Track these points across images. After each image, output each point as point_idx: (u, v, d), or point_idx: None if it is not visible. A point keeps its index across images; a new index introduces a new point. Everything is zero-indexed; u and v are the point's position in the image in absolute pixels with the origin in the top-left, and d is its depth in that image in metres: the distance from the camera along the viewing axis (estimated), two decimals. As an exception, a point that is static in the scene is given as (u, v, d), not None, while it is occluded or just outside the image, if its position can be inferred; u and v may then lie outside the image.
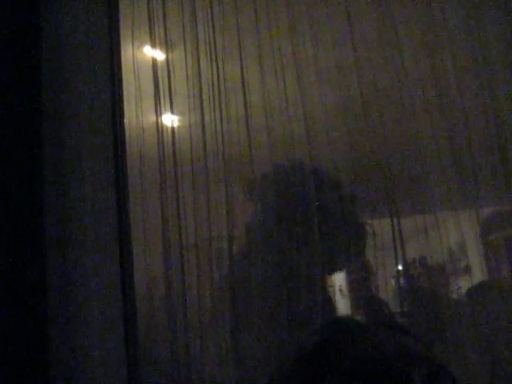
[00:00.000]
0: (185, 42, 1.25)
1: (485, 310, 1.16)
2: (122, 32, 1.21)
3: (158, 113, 1.21)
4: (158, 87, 1.21)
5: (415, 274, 1.35)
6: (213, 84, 1.23)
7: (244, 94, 1.22)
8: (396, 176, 1.21)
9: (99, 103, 1.11)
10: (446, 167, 1.22)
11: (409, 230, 1.22)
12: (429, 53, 1.27)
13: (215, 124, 1.22)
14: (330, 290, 1.31)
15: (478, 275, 1.24)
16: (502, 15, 1.27)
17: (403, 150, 1.31)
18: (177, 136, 1.21)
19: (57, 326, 0.92)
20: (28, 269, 0.92)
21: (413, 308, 1.25)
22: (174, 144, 1.20)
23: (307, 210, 1.17)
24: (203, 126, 1.21)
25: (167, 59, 1.24)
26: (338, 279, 1.38)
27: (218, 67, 1.24)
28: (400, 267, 1.22)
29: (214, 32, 1.25)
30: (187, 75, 1.24)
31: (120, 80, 1.18)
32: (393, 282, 1.26)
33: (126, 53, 1.24)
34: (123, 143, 1.15)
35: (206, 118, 1.22)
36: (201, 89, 1.23)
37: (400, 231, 1.19)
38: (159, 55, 1.25)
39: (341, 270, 1.35)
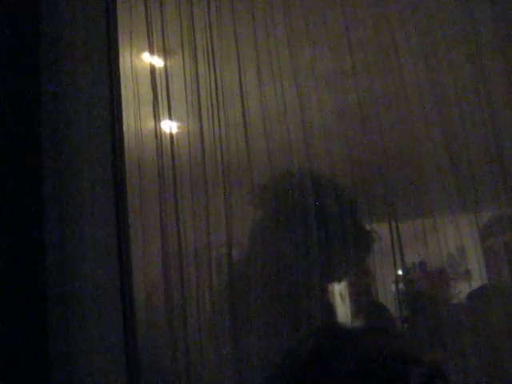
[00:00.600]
0: (183, 49, 1.25)
1: (485, 314, 1.16)
2: (120, 39, 1.21)
3: (156, 119, 1.21)
4: (156, 94, 1.21)
5: (415, 279, 1.35)
6: (211, 90, 1.23)
7: (242, 100, 1.23)
8: (395, 181, 1.21)
9: (98, 110, 1.11)
10: (445, 172, 1.22)
11: (408, 235, 1.22)
12: (426, 58, 1.27)
13: (213, 130, 1.22)
14: (330, 294, 1.31)
15: (478, 280, 1.24)
16: (499, 20, 1.27)
17: (402, 154, 1.31)
18: (175, 142, 1.22)
19: (55, 334, 0.92)
20: (26, 278, 0.92)
21: (412, 313, 1.25)
22: (172, 150, 1.20)
23: (306, 217, 1.17)
24: (202, 133, 1.22)
25: (165, 66, 1.24)
26: (338, 284, 1.38)
27: (216, 74, 1.24)
28: (399, 272, 1.22)
29: (211, 39, 1.25)
30: (185, 82, 1.24)
31: (118, 87, 1.18)
32: (392, 286, 1.26)
33: (125, 60, 1.24)
34: (122, 150, 1.15)
35: (205, 124, 1.22)
36: (199, 95, 1.23)
37: (399, 236, 1.19)
38: (157, 62, 1.25)
39: (341, 279, 1.34)
